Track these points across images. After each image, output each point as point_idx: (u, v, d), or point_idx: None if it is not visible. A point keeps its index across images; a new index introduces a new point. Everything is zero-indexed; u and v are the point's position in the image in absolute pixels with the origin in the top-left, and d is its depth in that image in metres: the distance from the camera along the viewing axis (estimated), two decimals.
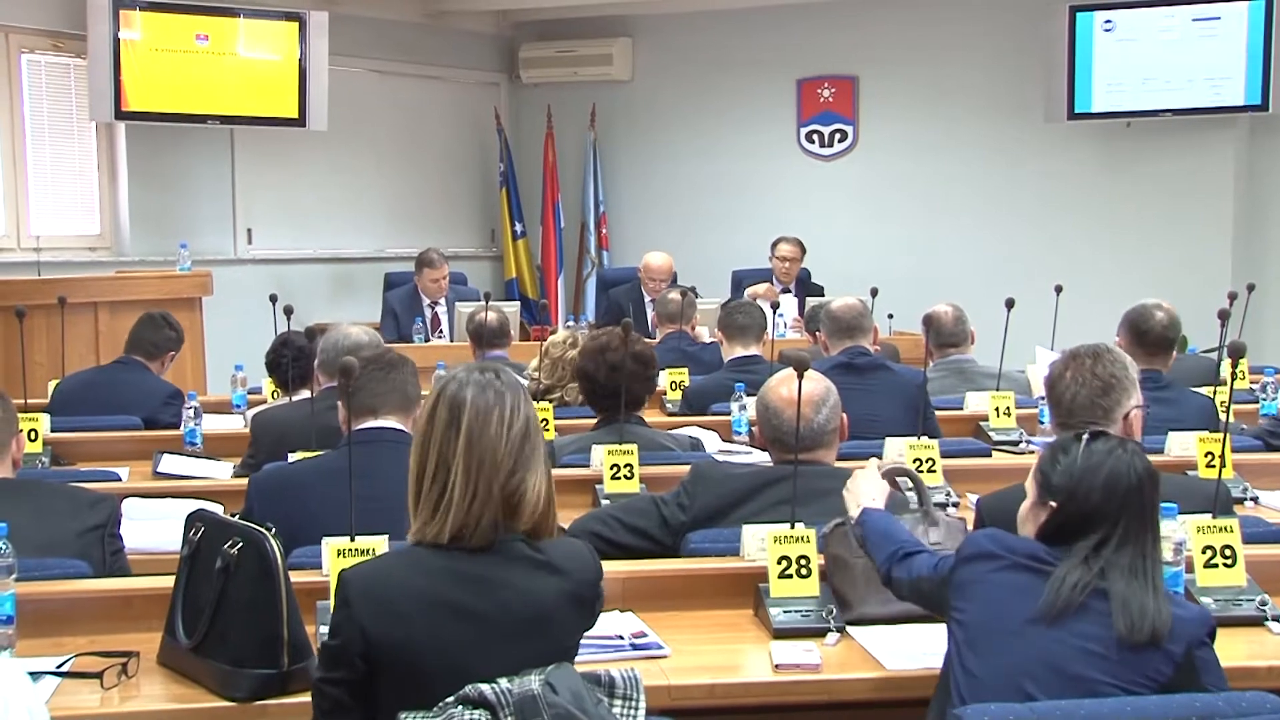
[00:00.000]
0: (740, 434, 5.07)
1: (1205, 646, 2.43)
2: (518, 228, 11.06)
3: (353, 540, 2.93)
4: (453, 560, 2.35)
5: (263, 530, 2.66)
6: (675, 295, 7.06)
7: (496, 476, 2.36)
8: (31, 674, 2.24)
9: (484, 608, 2.33)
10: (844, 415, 3.59)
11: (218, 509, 3.22)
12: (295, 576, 2.76)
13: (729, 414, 5.27)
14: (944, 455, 4.29)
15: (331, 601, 2.50)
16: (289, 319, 5.20)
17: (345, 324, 4.60)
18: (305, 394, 4.78)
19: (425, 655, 2.30)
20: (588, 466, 4.25)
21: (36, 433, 4.73)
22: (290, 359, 4.96)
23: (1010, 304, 5.30)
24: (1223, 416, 3.79)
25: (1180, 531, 2.98)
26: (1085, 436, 2.56)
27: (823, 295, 8.03)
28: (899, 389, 4.94)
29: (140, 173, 8.95)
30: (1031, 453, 4.79)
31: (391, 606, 2.31)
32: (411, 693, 2.28)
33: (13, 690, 1.96)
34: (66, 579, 3.08)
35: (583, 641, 2.50)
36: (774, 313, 6.41)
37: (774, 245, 8.91)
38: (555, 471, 4.25)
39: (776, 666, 2.80)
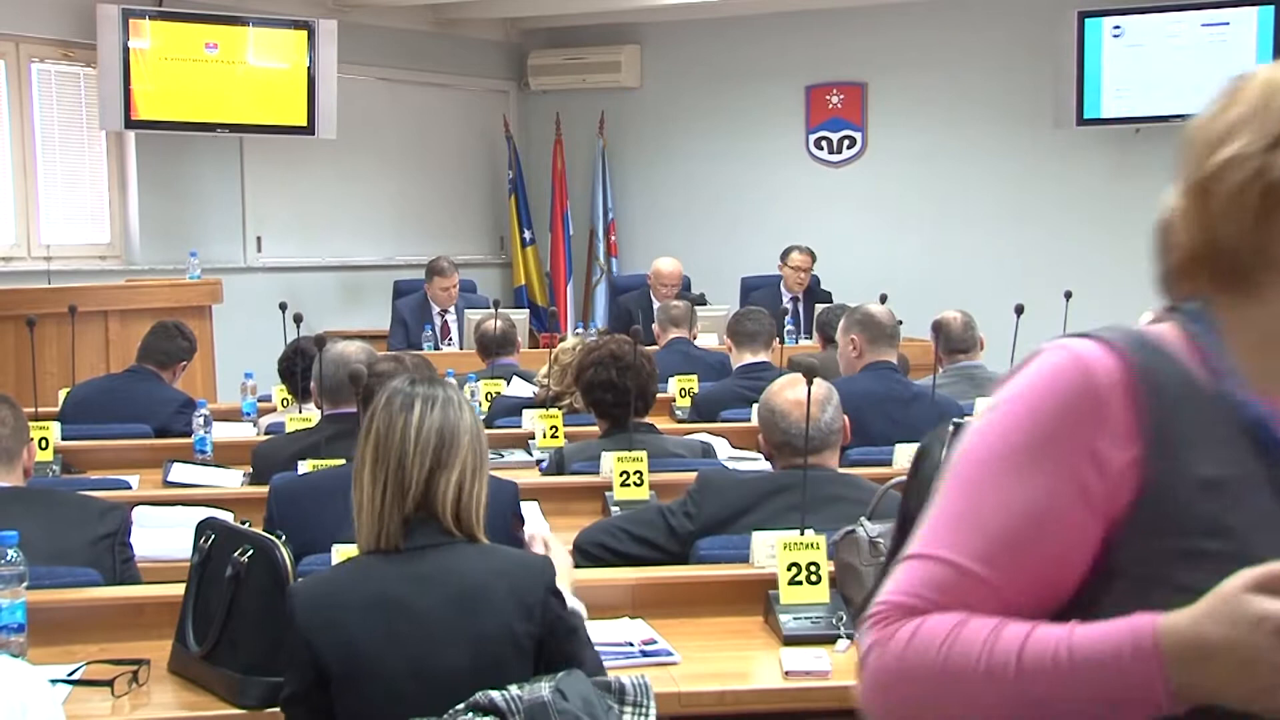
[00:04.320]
0: None
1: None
2: (527, 235, 11.08)
3: None
4: (389, 563, 2.40)
5: (273, 538, 2.66)
6: (679, 302, 7.15)
7: (401, 488, 2.40)
8: None
9: (427, 604, 2.36)
10: (845, 418, 3.59)
11: (227, 517, 3.22)
12: None
13: (738, 421, 5.26)
14: None
15: None
16: (299, 327, 5.21)
17: (339, 343, 4.52)
18: (311, 406, 4.77)
19: (368, 658, 2.33)
20: (597, 474, 4.25)
21: (47, 441, 4.73)
22: (302, 368, 4.96)
23: (1020, 310, 5.29)
24: None
25: None
26: None
27: (831, 301, 8.03)
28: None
29: (150, 181, 8.97)
30: None
31: (331, 615, 2.35)
32: (367, 697, 2.32)
33: (32, 694, 1.97)
34: (77, 587, 3.09)
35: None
36: (785, 319, 6.42)
37: (785, 255, 8.92)
38: (564, 479, 4.31)
39: (786, 673, 2.79)
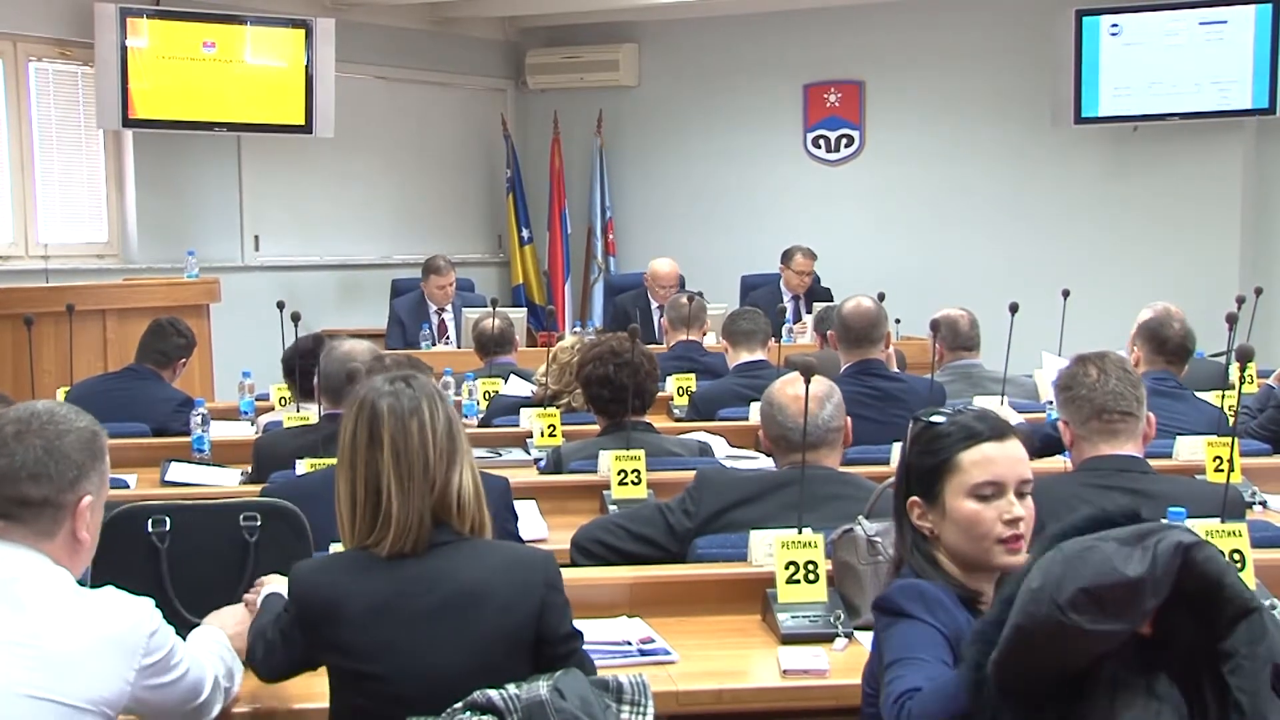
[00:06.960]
0: None
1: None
2: (524, 234, 11.08)
3: None
4: (397, 564, 2.39)
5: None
6: (684, 299, 6.69)
7: (427, 482, 2.40)
8: None
9: (426, 605, 2.36)
10: (848, 419, 3.58)
11: None
12: None
13: (735, 419, 5.25)
14: None
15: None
16: (296, 326, 5.20)
17: (345, 341, 4.49)
18: (312, 405, 4.76)
19: (366, 657, 2.34)
20: (595, 472, 4.25)
21: None
22: (301, 367, 4.95)
23: (1014, 308, 5.26)
24: (1230, 420, 3.79)
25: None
26: None
27: (831, 299, 8.02)
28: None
29: (148, 180, 8.97)
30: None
31: (330, 609, 2.36)
32: (365, 695, 2.34)
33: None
34: None
35: (590, 647, 2.50)
36: (783, 318, 6.35)
37: (787, 257, 8.83)
38: (562, 478, 4.31)
39: (784, 672, 2.79)
